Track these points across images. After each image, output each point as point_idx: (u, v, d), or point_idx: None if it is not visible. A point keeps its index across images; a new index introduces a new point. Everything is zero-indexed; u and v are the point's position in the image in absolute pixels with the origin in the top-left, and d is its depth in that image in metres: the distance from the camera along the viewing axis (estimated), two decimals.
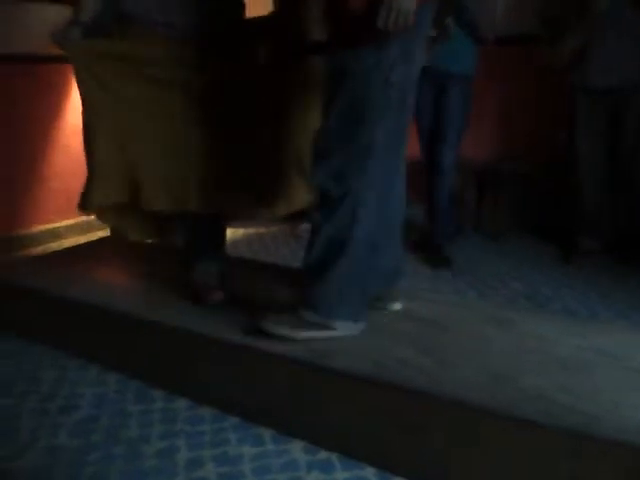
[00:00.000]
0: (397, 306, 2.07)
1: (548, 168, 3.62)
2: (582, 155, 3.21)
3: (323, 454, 1.71)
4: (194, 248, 2.39)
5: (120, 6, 2.13)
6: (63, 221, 3.86)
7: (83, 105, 2.17)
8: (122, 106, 2.17)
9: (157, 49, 2.14)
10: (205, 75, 2.18)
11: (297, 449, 1.74)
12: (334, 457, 1.70)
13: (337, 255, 1.76)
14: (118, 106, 2.17)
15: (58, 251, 3.13)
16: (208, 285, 2.27)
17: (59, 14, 2.35)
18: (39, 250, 3.59)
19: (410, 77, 1.73)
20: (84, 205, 2.23)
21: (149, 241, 2.46)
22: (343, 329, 1.83)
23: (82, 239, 3.63)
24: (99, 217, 2.38)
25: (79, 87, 2.16)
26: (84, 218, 3.84)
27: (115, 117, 2.17)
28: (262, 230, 4.18)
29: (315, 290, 1.82)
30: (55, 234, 3.82)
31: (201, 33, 2.17)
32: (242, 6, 2.32)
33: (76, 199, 2.24)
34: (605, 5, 2.88)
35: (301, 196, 2.19)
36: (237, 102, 2.21)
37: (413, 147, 2.84)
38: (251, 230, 4.19)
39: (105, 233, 3.50)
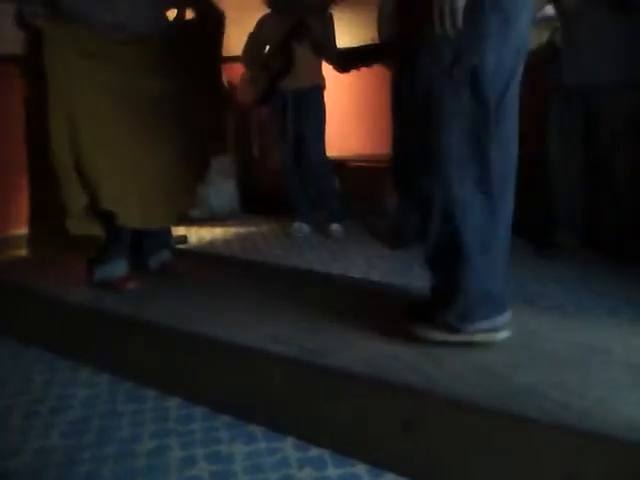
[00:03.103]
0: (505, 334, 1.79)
1: (531, 165, 3.64)
2: (555, 153, 3.25)
3: (315, 451, 1.71)
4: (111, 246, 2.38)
5: (64, 5, 2.07)
6: None
7: (49, 93, 2.06)
8: (88, 97, 2.13)
9: (112, 47, 2.16)
10: (155, 80, 2.24)
11: (289, 446, 1.74)
12: (326, 454, 1.70)
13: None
14: (84, 97, 2.12)
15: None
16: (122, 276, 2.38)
17: None
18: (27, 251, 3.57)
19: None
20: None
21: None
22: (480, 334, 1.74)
23: None
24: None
25: (47, 70, 2.03)
26: None
27: (79, 110, 2.11)
28: (253, 229, 4.18)
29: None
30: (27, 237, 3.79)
31: (146, 33, 2.22)
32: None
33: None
34: (572, 7, 2.92)
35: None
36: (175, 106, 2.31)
37: None
38: (242, 229, 4.19)
39: None
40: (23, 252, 3.50)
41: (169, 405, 1.98)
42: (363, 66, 2.29)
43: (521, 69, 1.67)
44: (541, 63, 3.17)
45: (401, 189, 1.89)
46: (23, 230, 3.65)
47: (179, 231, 3.85)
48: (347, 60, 2.63)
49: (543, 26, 2.58)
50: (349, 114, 4.58)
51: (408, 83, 1.66)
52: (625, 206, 3.19)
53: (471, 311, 1.71)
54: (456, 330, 1.73)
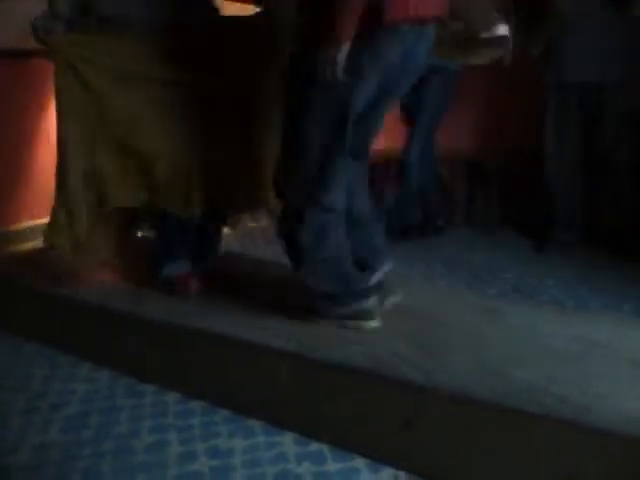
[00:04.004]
0: (395, 299, 2.05)
1: (532, 163, 3.65)
2: (552, 152, 3.26)
3: (314, 446, 1.71)
4: (169, 246, 2.36)
5: (97, 9, 2.08)
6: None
7: (59, 107, 2.08)
8: (105, 107, 2.12)
9: (141, 46, 2.12)
10: (194, 74, 2.17)
11: (288, 441, 1.74)
12: (325, 449, 1.70)
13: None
14: (100, 107, 2.11)
15: (46, 247, 3.11)
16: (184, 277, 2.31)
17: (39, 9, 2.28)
18: (27, 247, 3.57)
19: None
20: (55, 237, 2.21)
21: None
22: None
23: None
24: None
25: (58, 86, 2.07)
26: None
27: (95, 118, 2.11)
28: (252, 225, 4.17)
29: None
30: (43, 230, 3.77)
31: (182, 29, 2.17)
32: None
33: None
34: (564, 7, 2.94)
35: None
36: (222, 101, 2.22)
37: None
38: (241, 225, 4.18)
39: None
40: (22, 247, 3.52)
41: (168, 400, 1.98)
42: None
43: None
44: (539, 62, 3.19)
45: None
46: (22, 225, 3.67)
47: None
48: None
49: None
50: None
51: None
52: (625, 205, 3.20)
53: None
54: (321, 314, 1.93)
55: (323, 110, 1.74)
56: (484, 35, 2.54)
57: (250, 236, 3.96)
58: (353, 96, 1.72)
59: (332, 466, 1.63)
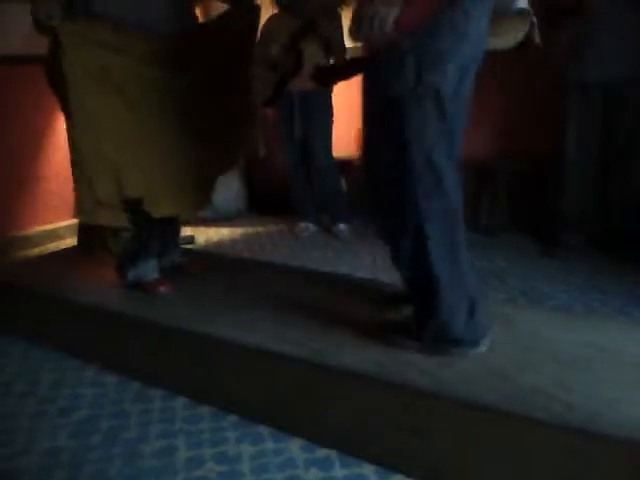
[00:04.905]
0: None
1: (541, 165, 3.64)
2: (572, 152, 3.23)
3: (322, 452, 1.71)
4: (143, 246, 2.37)
5: (89, 7, 2.07)
6: (61, 222, 3.85)
7: (68, 95, 2.07)
8: (109, 97, 2.12)
9: (140, 42, 2.13)
10: (185, 75, 2.22)
11: (296, 447, 1.74)
12: (333, 455, 1.70)
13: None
14: (104, 97, 2.11)
15: (56, 252, 3.13)
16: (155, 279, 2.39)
17: None
18: (37, 251, 3.59)
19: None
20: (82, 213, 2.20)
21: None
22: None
23: None
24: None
25: (66, 72, 2.03)
26: None
27: (100, 109, 2.11)
28: (260, 229, 4.19)
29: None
30: (53, 235, 3.81)
31: (173, 32, 2.20)
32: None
33: (73, 200, 2.21)
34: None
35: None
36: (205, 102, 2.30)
37: None
38: (249, 229, 4.20)
39: None
40: (33, 251, 3.55)
41: (176, 405, 1.99)
42: (340, 80, 2.46)
43: (474, 69, 1.72)
44: (559, 61, 3.17)
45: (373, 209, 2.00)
46: (33, 230, 3.70)
47: (186, 231, 3.86)
48: (326, 75, 2.76)
49: (517, 20, 2.56)
50: (358, 114, 4.57)
51: (374, 100, 1.72)
52: (637, 206, 3.18)
53: (444, 336, 1.73)
54: (430, 348, 1.75)
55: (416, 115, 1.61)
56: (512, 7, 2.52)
57: (257, 239, 3.97)
58: (443, 85, 1.59)
59: (340, 472, 1.63)
